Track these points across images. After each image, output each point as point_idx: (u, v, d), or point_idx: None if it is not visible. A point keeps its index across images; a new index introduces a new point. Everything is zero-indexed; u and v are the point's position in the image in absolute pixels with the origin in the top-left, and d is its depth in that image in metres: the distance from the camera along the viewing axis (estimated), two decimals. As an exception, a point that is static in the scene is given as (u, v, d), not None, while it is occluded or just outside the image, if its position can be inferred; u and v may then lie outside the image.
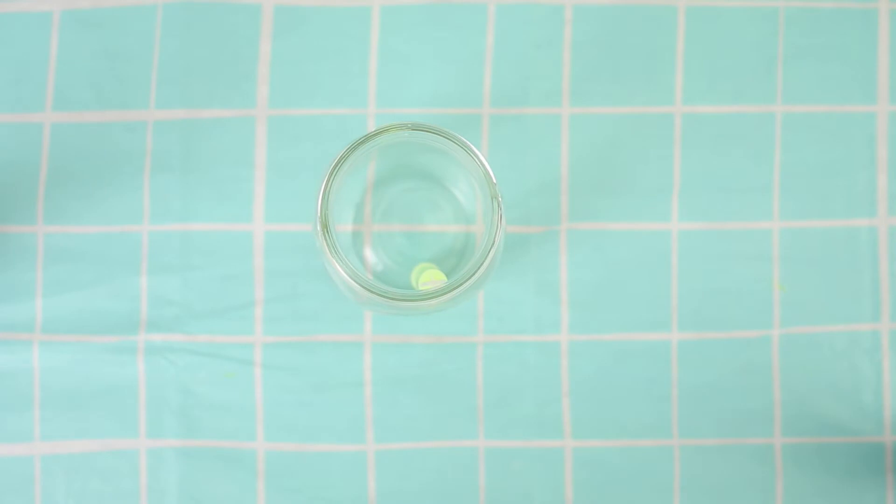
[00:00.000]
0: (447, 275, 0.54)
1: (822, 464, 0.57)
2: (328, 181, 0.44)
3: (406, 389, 0.57)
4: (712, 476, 0.57)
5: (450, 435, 0.57)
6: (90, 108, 0.57)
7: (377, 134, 0.44)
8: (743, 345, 0.57)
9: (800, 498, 0.57)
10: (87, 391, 0.56)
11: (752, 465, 0.57)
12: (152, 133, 0.57)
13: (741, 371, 0.57)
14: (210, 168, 0.57)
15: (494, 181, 0.44)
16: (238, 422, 0.56)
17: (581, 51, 0.57)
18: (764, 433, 0.57)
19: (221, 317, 0.56)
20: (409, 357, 0.57)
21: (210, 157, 0.57)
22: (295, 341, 0.56)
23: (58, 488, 0.56)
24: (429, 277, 0.50)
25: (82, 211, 0.56)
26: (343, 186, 0.50)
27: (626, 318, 0.57)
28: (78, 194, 0.56)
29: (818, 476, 0.57)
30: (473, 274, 0.44)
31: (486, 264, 0.44)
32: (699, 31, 0.57)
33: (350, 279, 0.44)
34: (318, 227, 0.44)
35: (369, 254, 0.56)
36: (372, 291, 0.44)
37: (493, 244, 0.44)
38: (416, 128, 0.44)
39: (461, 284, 0.44)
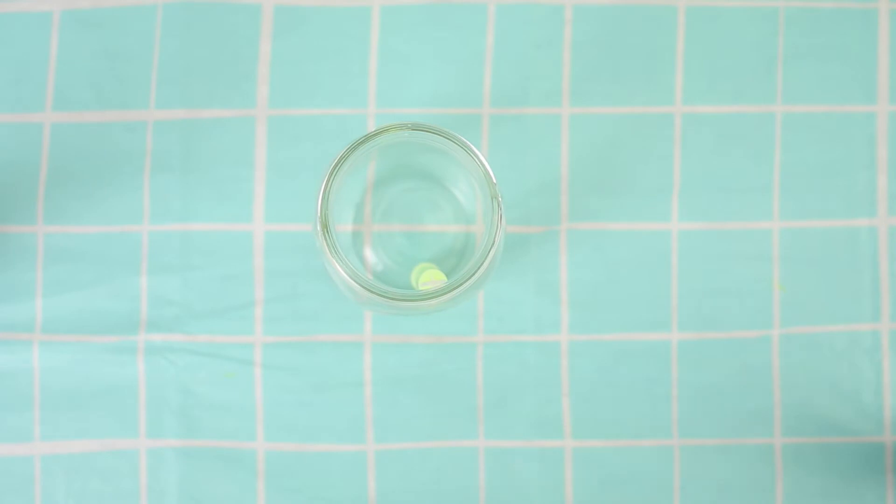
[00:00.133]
0: (447, 275, 0.54)
1: (822, 464, 0.57)
2: (328, 181, 0.44)
3: (406, 389, 0.56)
4: (712, 476, 0.57)
5: (450, 435, 0.57)
6: (90, 108, 0.57)
7: (377, 134, 0.44)
8: (743, 345, 0.57)
9: (800, 498, 0.57)
10: (87, 391, 0.56)
11: (752, 465, 0.57)
12: (152, 133, 0.57)
13: (741, 371, 0.57)
14: (210, 168, 0.57)
15: (494, 181, 0.44)
16: (238, 422, 0.56)
17: (581, 51, 0.57)
18: (764, 433, 0.57)
19: (221, 317, 0.56)
20: (409, 357, 0.57)
21: (210, 157, 0.57)
22: (295, 341, 0.56)
23: (58, 488, 0.56)
24: (429, 277, 0.50)
25: (82, 211, 0.56)
26: (343, 186, 0.50)
27: (626, 318, 0.57)
28: (78, 194, 0.56)
29: (818, 476, 0.57)
30: (473, 274, 0.44)
31: (486, 264, 0.44)
32: (699, 31, 0.57)
33: (350, 279, 0.44)
34: (318, 227, 0.44)
35: (369, 254, 0.56)
36: (372, 291, 0.44)
37: (493, 244, 0.44)
38: (416, 128, 0.44)
39: (461, 284, 0.44)
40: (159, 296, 0.56)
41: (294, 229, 0.57)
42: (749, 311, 0.57)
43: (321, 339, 0.57)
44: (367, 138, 0.44)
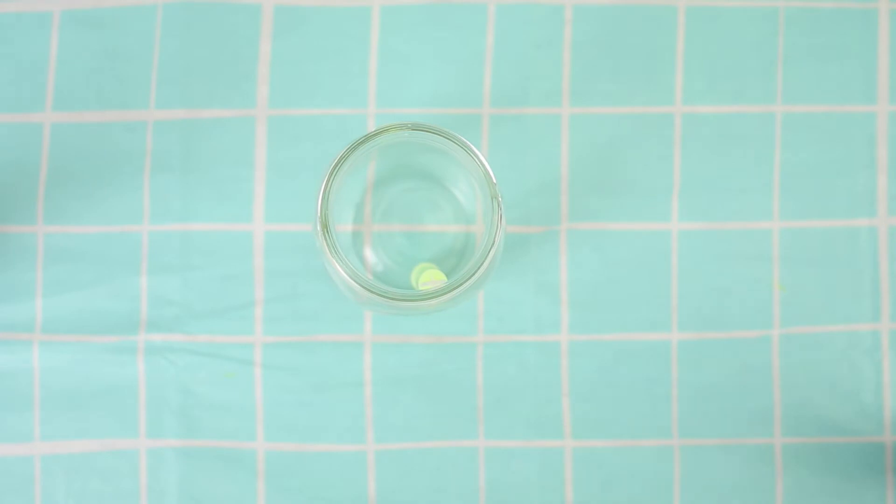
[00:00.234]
0: (447, 275, 0.54)
1: (822, 464, 0.57)
2: (328, 181, 0.44)
3: (406, 389, 0.56)
4: (712, 476, 0.57)
5: (450, 435, 0.57)
6: (90, 108, 0.57)
7: (377, 134, 0.44)
8: (743, 345, 0.57)
9: (800, 498, 0.57)
10: (87, 391, 0.56)
11: (752, 465, 0.57)
12: (152, 133, 0.57)
13: (741, 371, 0.57)
14: (210, 168, 0.57)
15: (494, 181, 0.44)
16: (238, 422, 0.56)
17: (581, 51, 0.57)
18: (764, 433, 0.57)
19: (221, 317, 0.56)
20: (409, 357, 0.57)
21: (210, 157, 0.57)
22: (295, 341, 0.56)
23: (58, 488, 0.56)
24: (429, 277, 0.50)
25: (82, 211, 0.56)
26: (343, 186, 0.50)
27: (626, 318, 0.57)
28: (78, 194, 0.56)
29: (818, 476, 0.57)
30: (473, 274, 0.44)
31: (486, 264, 0.44)
32: (699, 31, 0.57)
33: (350, 279, 0.44)
34: (318, 227, 0.44)
35: (369, 254, 0.56)
36: (372, 291, 0.44)
37: (493, 244, 0.44)
38: (416, 128, 0.44)
39: (461, 284, 0.44)
40: (159, 296, 0.56)
41: (294, 229, 0.57)
42: (749, 311, 0.57)
43: (321, 339, 0.57)
44: (367, 138, 0.44)
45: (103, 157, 0.57)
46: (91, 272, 0.56)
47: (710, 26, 0.57)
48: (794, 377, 0.57)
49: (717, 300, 0.57)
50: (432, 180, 0.56)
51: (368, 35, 0.57)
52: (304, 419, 0.56)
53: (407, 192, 0.56)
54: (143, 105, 0.57)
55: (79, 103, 0.57)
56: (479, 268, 0.44)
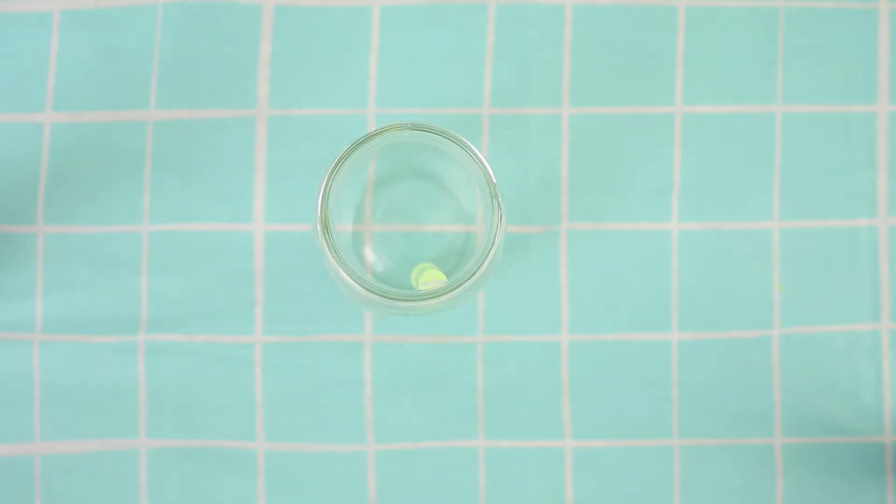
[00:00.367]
0: (447, 275, 0.54)
1: (822, 464, 0.57)
2: (328, 181, 0.44)
3: (406, 389, 0.56)
4: (712, 476, 0.57)
5: (450, 435, 0.57)
6: (90, 108, 0.57)
7: (377, 134, 0.44)
8: (743, 345, 0.57)
9: (800, 498, 0.57)
10: (87, 391, 0.56)
11: (752, 465, 0.57)
12: (152, 133, 0.57)
13: (741, 371, 0.57)
14: (210, 168, 0.57)
15: (494, 181, 0.44)
16: (238, 422, 0.56)
17: (581, 51, 0.57)
18: (764, 433, 0.57)
19: (221, 317, 0.56)
20: (409, 357, 0.57)
21: (210, 157, 0.57)
22: (295, 341, 0.56)
23: (58, 488, 0.56)
24: (429, 277, 0.51)
25: (82, 211, 0.56)
26: (343, 186, 0.50)
27: (626, 318, 0.57)
28: (78, 194, 0.56)
29: (818, 476, 0.57)
30: (473, 274, 0.44)
31: (486, 264, 0.44)
32: (699, 31, 0.57)
33: (350, 279, 0.44)
34: (318, 227, 0.44)
35: (369, 254, 0.56)
36: (372, 291, 0.44)
37: (493, 244, 0.44)
38: (416, 128, 0.44)
39: (461, 284, 0.44)
40: (159, 296, 0.56)
41: (294, 229, 0.57)
42: (749, 311, 0.57)
43: (321, 339, 0.57)
44: (367, 138, 0.44)
45: (103, 157, 0.57)
46: (91, 272, 0.56)
47: (710, 26, 0.57)
48: (794, 377, 0.57)
49: (717, 300, 0.57)
50: (432, 180, 0.56)
51: (368, 35, 0.57)
52: (304, 419, 0.56)
53: (407, 192, 0.56)
54: (143, 105, 0.57)
55: (79, 103, 0.57)
56: (479, 268, 0.44)
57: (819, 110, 0.57)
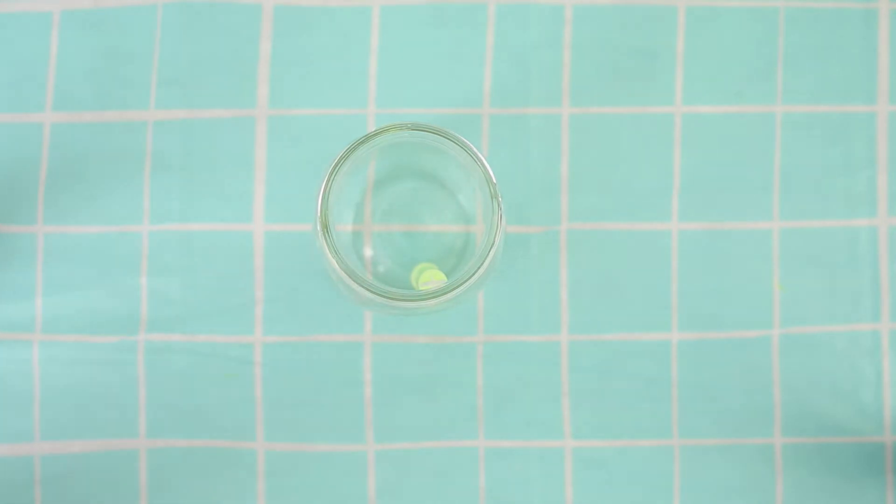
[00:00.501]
0: (447, 275, 0.54)
1: (822, 464, 0.57)
2: (328, 181, 0.44)
3: (406, 389, 0.56)
4: (712, 476, 0.57)
5: (450, 435, 0.57)
6: (90, 108, 0.57)
7: (377, 134, 0.44)
8: (743, 345, 0.57)
9: (800, 498, 0.57)
10: (87, 391, 0.56)
11: (752, 465, 0.57)
12: (152, 133, 0.57)
13: (741, 371, 0.57)
14: (210, 168, 0.57)
15: (494, 181, 0.44)
16: (238, 422, 0.56)
17: (581, 51, 0.57)
18: (764, 433, 0.57)
19: (221, 317, 0.56)
20: (409, 357, 0.57)
21: (210, 157, 0.57)
22: (295, 341, 0.56)
23: (58, 488, 0.56)
24: (429, 277, 0.50)
25: (82, 211, 0.56)
26: (343, 186, 0.50)
27: (626, 318, 0.57)
28: (78, 194, 0.56)
29: (818, 476, 0.57)
30: (473, 274, 0.44)
31: (486, 264, 0.44)
32: (699, 31, 0.57)
33: (350, 279, 0.44)
34: (318, 227, 0.44)
35: (369, 254, 0.56)
36: (372, 291, 0.44)
37: (493, 244, 0.44)
38: (416, 128, 0.44)
39: (461, 284, 0.44)
40: (159, 296, 0.56)
41: (294, 229, 0.57)
42: (749, 311, 0.57)
43: (321, 339, 0.57)
44: (367, 138, 0.44)
45: (103, 157, 0.57)
46: (91, 272, 0.56)
47: (710, 26, 0.57)
48: (794, 377, 0.57)
49: (717, 300, 0.57)
50: (432, 180, 0.56)
51: (368, 35, 0.57)
52: (304, 419, 0.56)
53: (407, 192, 0.56)
54: (143, 105, 0.57)
55: (79, 103, 0.57)
56: (479, 268, 0.44)
57: (819, 110, 0.57)
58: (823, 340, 0.57)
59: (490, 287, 0.57)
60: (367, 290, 0.44)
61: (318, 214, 0.44)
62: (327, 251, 0.44)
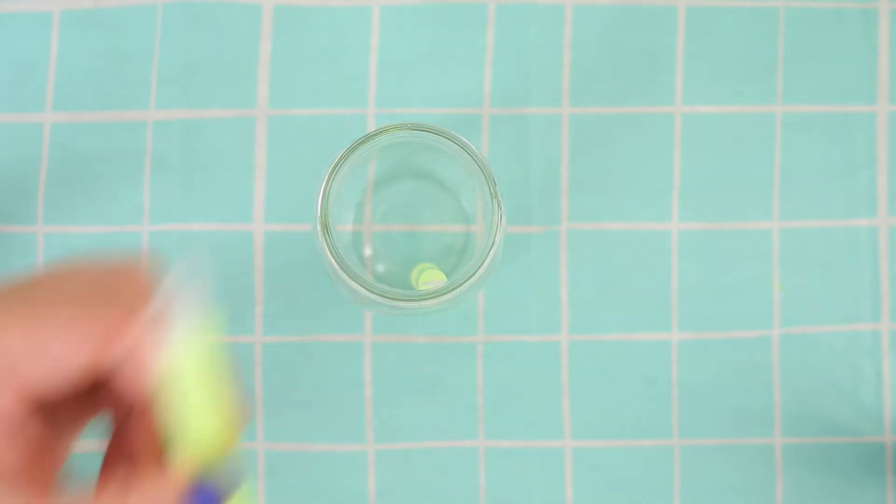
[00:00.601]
0: (447, 275, 0.54)
1: (822, 464, 0.57)
2: (328, 181, 0.44)
3: (406, 389, 0.56)
4: (712, 476, 0.57)
5: (450, 435, 0.57)
6: (90, 108, 0.57)
7: (377, 134, 0.44)
8: (743, 345, 0.57)
9: (800, 498, 0.57)
10: (87, 391, 0.56)
11: (752, 465, 0.57)
12: (152, 133, 0.57)
13: (741, 371, 0.57)
14: (210, 168, 0.57)
15: (494, 181, 0.44)
16: (238, 422, 0.56)
17: (581, 51, 0.57)
18: (764, 433, 0.57)
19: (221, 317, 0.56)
20: (409, 357, 0.57)
21: (210, 157, 0.57)
22: (295, 341, 0.56)
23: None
24: (429, 277, 0.51)
25: (82, 211, 0.56)
26: (343, 186, 0.51)
27: (626, 318, 0.57)
28: (78, 194, 0.56)
29: (818, 476, 0.57)
30: (473, 274, 0.44)
31: (486, 264, 0.44)
32: (699, 31, 0.57)
33: (350, 279, 0.44)
34: (318, 227, 0.44)
35: (369, 254, 0.56)
36: (372, 291, 0.44)
37: (493, 244, 0.44)
38: (416, 128, 0.44)
39: (461, 284, 0.44)
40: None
41: (294, 229, 0.57)
42: (749, 311, 0.57)
43: (321, 339, 0.57)
44: (367, 138, 0.44)
45: (103, 157, 0.57)
46: (91, 272, 0.56)
47: (710, 26, 0.57)
48: (794, 377, 0.57)
49: (717, 300, 0.57)
50: (432, 180, 0.56)
51: (368, 35, 0.57)
52: (304, 419, 0.56)
53: (407, 192, 0.56)
54: (143, 105, 0.57)
55: (79, 103, 0.57)
56: (479, 268, 0.44)
57: (819, 110, 0.57)
58: (823, 340, 0.57)
59: (490, 287, 0.57)
60: (367, 290, 0.44)
61: (318, 214, 0.44)
62: (327, 251, 0.44)
